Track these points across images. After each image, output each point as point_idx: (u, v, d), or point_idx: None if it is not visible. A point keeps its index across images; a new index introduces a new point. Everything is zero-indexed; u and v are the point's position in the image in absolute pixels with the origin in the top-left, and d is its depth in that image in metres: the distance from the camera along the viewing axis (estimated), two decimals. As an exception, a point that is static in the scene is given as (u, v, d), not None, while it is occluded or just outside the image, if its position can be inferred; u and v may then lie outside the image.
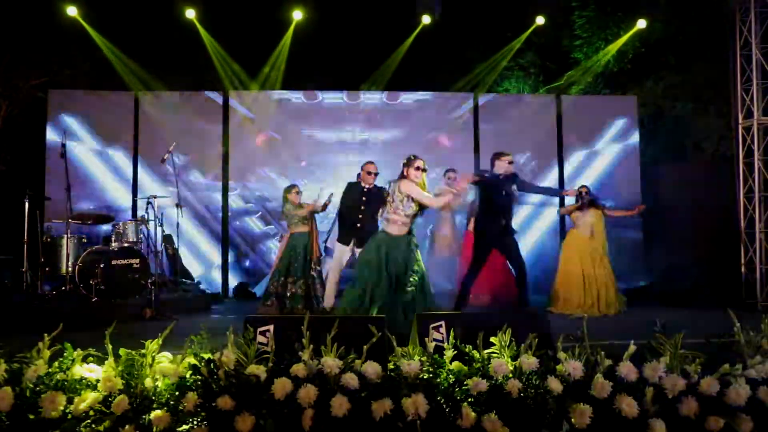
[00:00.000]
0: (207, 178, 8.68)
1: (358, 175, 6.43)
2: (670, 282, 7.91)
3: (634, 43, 9.56)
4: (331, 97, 8.96)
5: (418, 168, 4.75)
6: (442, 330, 3.08)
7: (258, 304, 6.57)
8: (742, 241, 7.52)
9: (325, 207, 6.36)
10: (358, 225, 6.07)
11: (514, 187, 6.05)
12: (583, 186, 7.10)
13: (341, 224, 6.33)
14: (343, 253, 6.21)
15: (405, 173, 4.78)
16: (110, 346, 2.80)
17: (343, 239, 6.20)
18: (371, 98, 9.00)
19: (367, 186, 6.14)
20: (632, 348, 2.89)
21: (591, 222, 6.92)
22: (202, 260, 8.62)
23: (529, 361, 2.75)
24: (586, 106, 9.25)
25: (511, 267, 6.15)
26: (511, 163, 5.98)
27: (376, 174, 6.15)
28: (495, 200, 5.87)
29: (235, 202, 8.72)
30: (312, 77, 9.70)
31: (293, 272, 6.33)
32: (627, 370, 2.78)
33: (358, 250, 5.97)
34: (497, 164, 5.96)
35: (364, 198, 6.08)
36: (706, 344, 3.05)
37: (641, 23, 9.00)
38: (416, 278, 4.62)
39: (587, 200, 6.92)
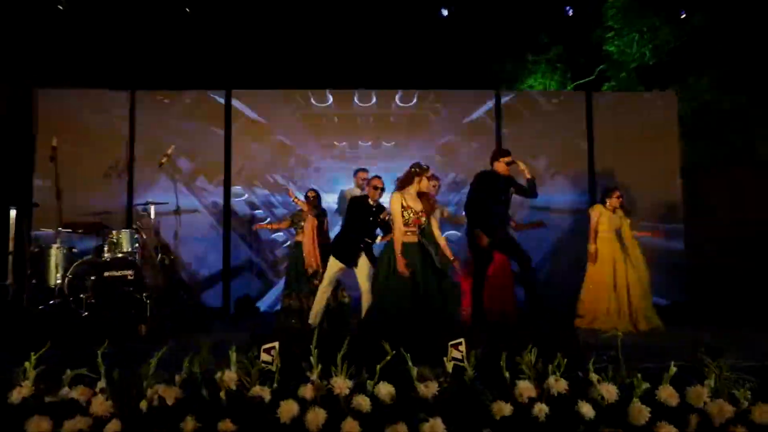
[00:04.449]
0: (208, 182, 8.74)
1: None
2: (716, 298, 7.81)
3: (673, 33, 9.48)
4: (341, 96, 9.03)
5: (430, 177, 5.37)
6: (462, 348, 3.06)
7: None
8: (796, 253, 7.41)
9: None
10: (362, 244, 6.18)
11: (512, 190, 6.43)
12: (615, 189, 7.17)
13: (342, 241, 6.38)
14: (335, 270, 6.26)
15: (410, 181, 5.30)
16: (102, 366, 2.82)
17: (340, 255, 6.26)
18: (383, 100, 9.04)
19: (373, 202, 6.26)
20: (673, 370, 2.86)
21: (617, 222, 6.94)
22: (203, 272, 8.65)
23: (558, 384, 2.74)
24: (620, 103, 9.19)
25: (518, 266, 6.42)
26: (509, 164, 6.25)
27: (382, 189, 6.23)
28: (491, 200, 6.19)
29: (239, 209, 8.76)
30: (322, 75, 9.75)
31: (290, 285, 6.84)
32: (667, 394, 2.75)
33: (356, 269, 6.19)
34: (496, 165, 6.28)
35: (371, 218, 6.20)
36: (758, 367, 3.00)
37: (681, 13, 8.90)
38: (435, 282, 5.07)
39: (617, 204, 7.00)
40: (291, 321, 6.61)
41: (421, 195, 5.29)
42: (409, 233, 5.21)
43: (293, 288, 6.78)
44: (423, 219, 5.23)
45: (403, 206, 5.19)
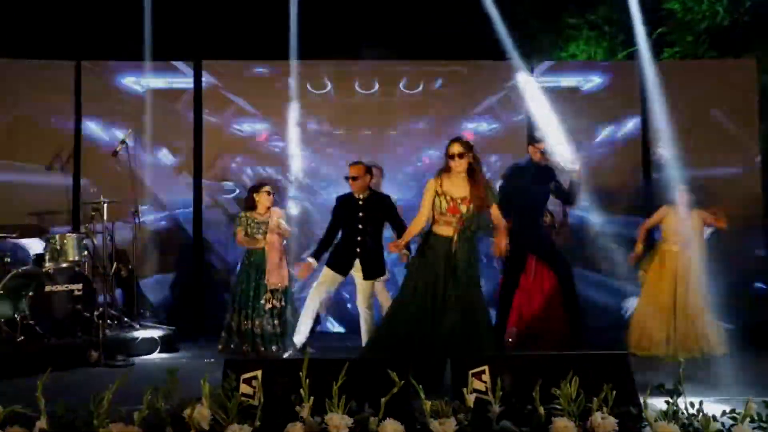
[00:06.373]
0: (174, 174, 8.76)
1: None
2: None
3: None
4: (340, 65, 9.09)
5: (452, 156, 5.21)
6: (486, 378, 3.08)
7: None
8: None
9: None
10: (358, 249, 6.26)
11: (552, 185, 6.68)
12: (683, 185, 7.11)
13: (336, 247, 6.49)
14: (329, 280, 6.38)
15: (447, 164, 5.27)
16: (43, 401, 2.85)
17: (333, 264, 6.36)
18: (391, 67, 9.08)
19: (360, 196, 6.30)
20: (751, 406, 2.87)
21: (687, 230, 6.88)
22: (167, 285, 8.68)
23: (605, 422, 2.75)
24: (685, 74, 9.16)
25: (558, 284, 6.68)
26: (543, 153, 6.52)
27: (357, 178, 6.28)
28: (527, 193, 6.41)
29: (211, 206, 8.76)
30: (313, 42, 9.73)
31: (237, 299, 6.72)
32: (743, 435, 2.76)
33: (356, 277, 6.34)
34: (531, 150, 6.60)
35: (360, 213, 6.27)
36: None
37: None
38: (456, 293, 5.02)
39: (687, 202, 6.90)
40: (242, 347, 6.54)
41: (472, 180, 5.22)
42: (443, 223, 5.18)
43: (242, 304, 6.65)
44: (463, 208, 5.15)
45: (437, 192, 5.18)
